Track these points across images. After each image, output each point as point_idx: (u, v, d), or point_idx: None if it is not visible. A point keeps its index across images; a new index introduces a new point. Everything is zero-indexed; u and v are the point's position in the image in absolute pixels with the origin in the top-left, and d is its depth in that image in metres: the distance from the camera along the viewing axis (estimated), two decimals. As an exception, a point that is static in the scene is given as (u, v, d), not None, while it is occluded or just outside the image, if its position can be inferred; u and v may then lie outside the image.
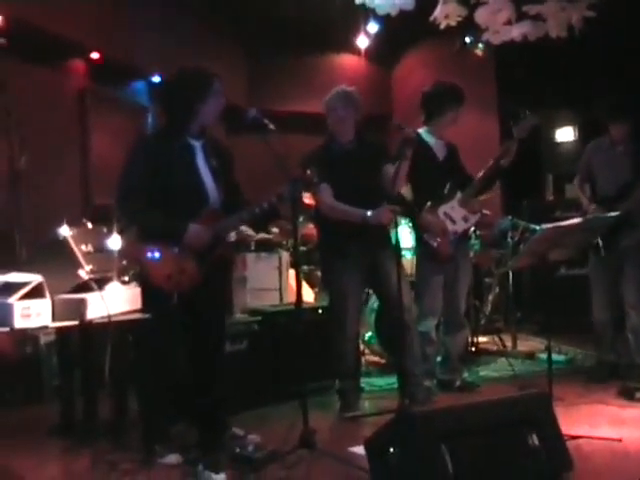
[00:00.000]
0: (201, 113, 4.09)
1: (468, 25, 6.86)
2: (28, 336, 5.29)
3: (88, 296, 4.18)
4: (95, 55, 7.14)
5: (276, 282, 6.60)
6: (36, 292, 4.01)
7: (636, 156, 5.49)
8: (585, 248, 5.40)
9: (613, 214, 5.01)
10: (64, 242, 4.25)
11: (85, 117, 7.29)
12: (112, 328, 4.16)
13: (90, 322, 4.20)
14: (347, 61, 10.28)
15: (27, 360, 5.51)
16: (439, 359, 5.56)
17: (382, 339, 6.17)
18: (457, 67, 8.73)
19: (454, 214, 5.32)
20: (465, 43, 8.34)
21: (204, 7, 8.66)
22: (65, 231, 4.26)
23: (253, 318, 5.39)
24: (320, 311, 5.64)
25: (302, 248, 6.68)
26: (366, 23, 8.42)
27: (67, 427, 4.60)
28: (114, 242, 4.40)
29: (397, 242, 4.77)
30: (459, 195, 5.34)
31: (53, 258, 4.29)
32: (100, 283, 4.26)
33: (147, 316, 4.15)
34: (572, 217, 5.13)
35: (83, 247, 4.28)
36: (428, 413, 3.65)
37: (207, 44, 8.70)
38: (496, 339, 7.13)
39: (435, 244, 5.25)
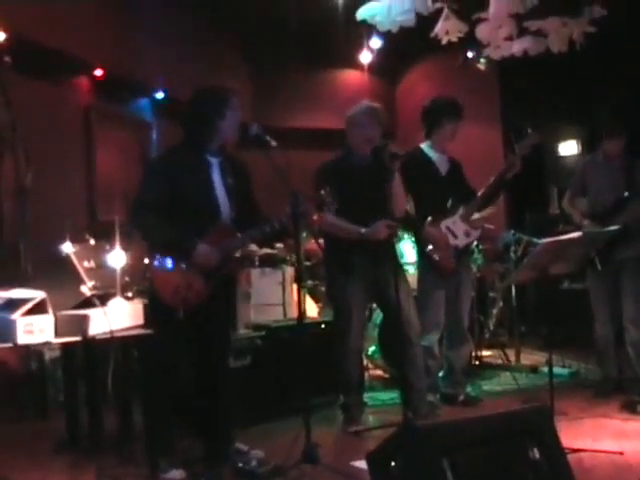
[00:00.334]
0: (221, 129, 4.12)
1: (470, 40, 6.89)
2: (33, 352, 5.32)
3: (91, 312, 4.21)
4: (99, 72, 7.19)
5: (280, 297, 6.60)
6: (39, 308, 4.04)
7: (630, 170, 5.52)
8: (584, 262, 5.39)
9: (613, 228, 5.01)
10: (67, 258, 4.28)
11: (89, 133, 7.31)
12: (115, 343, 4.19)
13: (92, 338, 4.22)
14: (351, 76, 10.26)
15: (32, 376, 5.53)
16: (443, 373, 5.56)
17: (386, 353, 6.17)
18: (461, 81, 8.79)
19: (456, 229, 5.34)
20: (467, 58, 8.37)
21: (207, 24, 8.73)
22: (68, 248, 4.29)
23: (257, 333, 5.39)
24: (323, 326, 5.66)
25: (306, 263, 6.68)
26: (369, 39, 8.47)
27: (72, 442, 4.62)
28: (117, 258, 4.43)
29: (399, 256, 4.77)
30: (461, 210, 5.36)
31: (56, 274, 4.33)
32: (103, 299, 4.29)
33: (150, 331, 4.17)
34: (574, 231, 5.13)
35: (86, 263, 4.32)
36: (430, 426, 3.64)
37: (210, 60, 8.78)
38: (500, 353, 7.14)
39: (437, 258, 5.27)
